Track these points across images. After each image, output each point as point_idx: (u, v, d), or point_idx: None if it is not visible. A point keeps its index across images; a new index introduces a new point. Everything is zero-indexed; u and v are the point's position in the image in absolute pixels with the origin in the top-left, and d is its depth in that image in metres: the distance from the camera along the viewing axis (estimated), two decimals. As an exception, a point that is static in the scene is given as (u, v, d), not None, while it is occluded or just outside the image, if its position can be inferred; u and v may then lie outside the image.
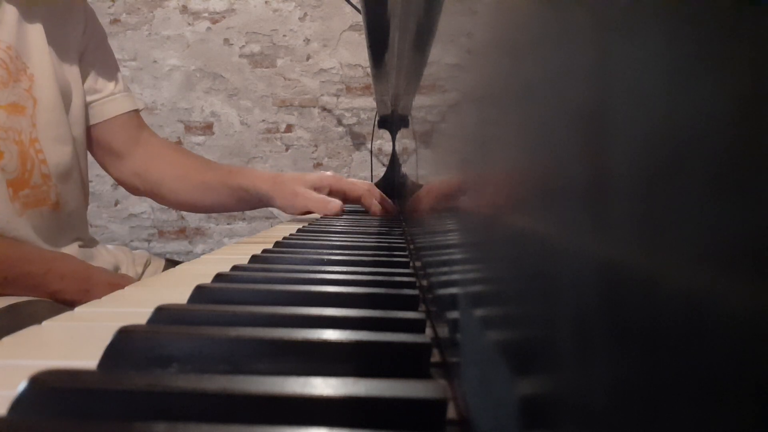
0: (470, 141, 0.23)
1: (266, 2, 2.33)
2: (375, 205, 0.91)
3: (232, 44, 2.35)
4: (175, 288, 0.41)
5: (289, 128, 2.37)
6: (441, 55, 0.35)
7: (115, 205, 2.39)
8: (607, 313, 0.10)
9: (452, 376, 0.24)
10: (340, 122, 2.36)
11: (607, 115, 0.10)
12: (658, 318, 0.08)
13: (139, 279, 0.83)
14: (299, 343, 0.24)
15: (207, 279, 0.37)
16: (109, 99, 0.84)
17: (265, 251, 0.51)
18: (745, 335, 0.06)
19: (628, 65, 0.09)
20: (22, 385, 0.19)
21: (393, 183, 1.31)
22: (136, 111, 0.88)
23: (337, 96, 2.35)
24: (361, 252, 0.52)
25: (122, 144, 0.87)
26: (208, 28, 2.35)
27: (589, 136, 0.11)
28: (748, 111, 0.06)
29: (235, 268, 0.42)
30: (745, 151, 0.06)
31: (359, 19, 1.20)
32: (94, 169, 0.97)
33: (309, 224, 0.79)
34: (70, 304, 0.62)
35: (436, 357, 0.27)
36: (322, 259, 0.47)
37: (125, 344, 0.24)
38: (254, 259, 0.47)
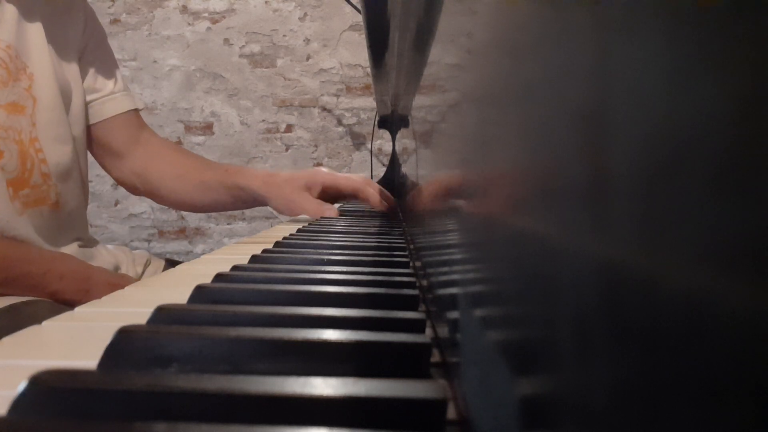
0: (470, 141, 0.23)
1: (266, 2, 2.33)
2: (374, 196, 0.87)
3: (232, 44, 2.35)
4: (175, 288, 0.41)
5: (289, 128, 2.37)
6: (441, 55, 0.35)
7: (115, 205, 2.39)
8: (607, 313, 0.10)
9: (452, 376, 0.24)
10: (340, 122, 2.36)
11: (607, 115, 0.10)
12: (658, 318, 0.08)
13: (139, 279, 0.83)
14: (299, 343, 0.24)
15: (207, 279, 0.37)
16: (109, 98, 0.84)
17: (265, 251, 0.51)
18: (745, 335, 0.06)
19: (628, 65, 0.09)
20: (22, 385, 0.19)
21: (393, 183, 1.31)
22: (136, 110, 0.88)
23: (337, 96, 2.35)
24: (361, 252, 0.52)
25: (122, 144, 0.86)
26: (208, 28, 2.35)
27: (589, 136, 0.11)
28: (748, 111, 0.06)
29: (235, 268, 0.42)
30: (745, 151, 0.06)
31: (359, 19, 1.20)
32: (94, 169, 0.97)
33: (309, 224, 0.79)
34: (69, 304, 0.62)
35: (436, 357, 0.27)
36: (322, 259, 0.47)
37: (125, 344, 0.24)
38: (254, 259, 0.47)
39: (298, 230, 0.72)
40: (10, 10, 0.70)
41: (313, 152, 2.36)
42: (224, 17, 2.34)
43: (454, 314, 0.24)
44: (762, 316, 0.06)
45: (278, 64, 2.35)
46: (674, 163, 0.08)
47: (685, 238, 0.08)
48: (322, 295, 0.34)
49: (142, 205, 2.36)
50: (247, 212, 2.34)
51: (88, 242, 0.83)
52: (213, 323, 0.28)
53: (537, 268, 0.14)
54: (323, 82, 2.35)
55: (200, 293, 0.33)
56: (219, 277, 0.38)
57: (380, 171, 1.49)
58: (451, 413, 0.21)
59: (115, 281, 0.69)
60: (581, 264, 0.11)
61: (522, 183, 0.15)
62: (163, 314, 0.28)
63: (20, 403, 0.19)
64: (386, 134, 1.42)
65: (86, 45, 0.82)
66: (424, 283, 0.38)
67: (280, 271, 0.42)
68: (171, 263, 0.92)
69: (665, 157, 0.08)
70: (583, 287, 0.11)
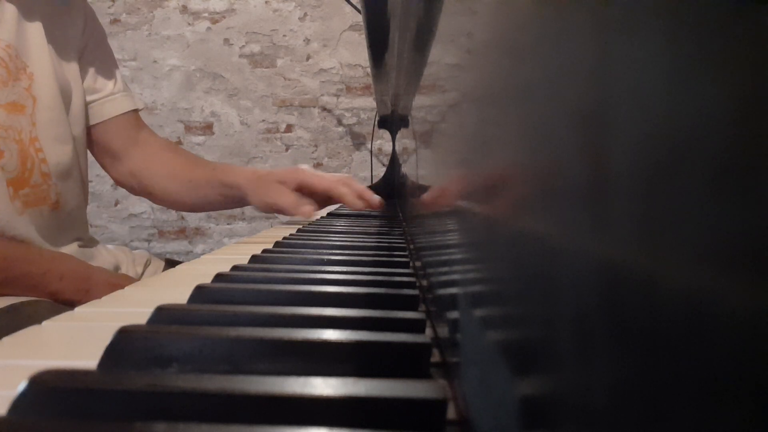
0: (470, 141, 0.23)
1: (266, 2, 2.33)
2: (347, 195, 0.82)
3: (232, 44, 2.35)
4: (175, 288, 0.41)
5: (289, 128, 2.37)
6: (441, 55, 0.35)
7: (115, 205, 2.39)
8: (607, 313, 0.10)
9: (452, 376, 0.24)
10: (340, 122, 2.36)
11: (607, 115, 0.10)
12: (658, 318, 0.08)
13: (139, 279, 0.83)
14: (299, 343, 0.24)
15: (207, 279, 0.37)
16: (108, 99, 0.84)
17: (265, 251, 0.51)
18: (745, 335, 0.06)
19: (628, 65, 0.09)
20: (22, 385, 0.19)
21: (393, 183, 1.31)
22: (135, 111, 0.88)
23: (337, 96, 2.35)
24: (361, 252, 0.52)
25: (120, 145, 0.86)
26: (208, 28, 2.35)
27: (589, 136, 0.11)
28: (748, 111, 0.06)
29: (235, 268, 0.42)
30: (745, 151, 0.06)
31: (359, 19, 1.20)
32: (94, 169, 0.97)
33: (309, 224, 0.79)
34: (69, 304, 0.62)
35: (436, 357, 0.27)
36: (322, 259, 0.47)
37: (125, 344, 0.24)
38: (254, 259, 0.47)
39: (298, 230, 0.72)
40: (10, 10, 0.70)
41: (313, 152, 2.36)
42: (224, 17, 2.34)
43: (454, 314, 0.24)
44: (762, 316, 0.06)
45: (278, 64, 2.35)
46: (674, 163, 0.08)
47: (685, 238, 0.08)
48: (322, 295, 0.34)
49: (142, 205, 2.36)
50: (247, 212, 2.34)
51: (88, 242, 0.83)
52: (213, 323, 0.28)
53: (537, 268, 0.14)
54: (323, 82, 2.35)
55: (200, 293, 0.33)
56: (219, 277, 0.38)
57: (380, 171, 1.49)
58: (451, 413, 0.21)
59: (115, 281, 0.69)
60: (581, 264, 0.11)
61: (522, 183, 0.15)
62: (163, 314, 0.28)
63: (20, 403, 0.19)
64: (386, 134, 1.42)
65: (86, 45, 0.82)
66: (424, 283, 0.38)
67: (280, 271, 0.42)
68: (171, 263, 0.92)
69: (665, 157, 0.08)
70: (583, 287, 0.11)
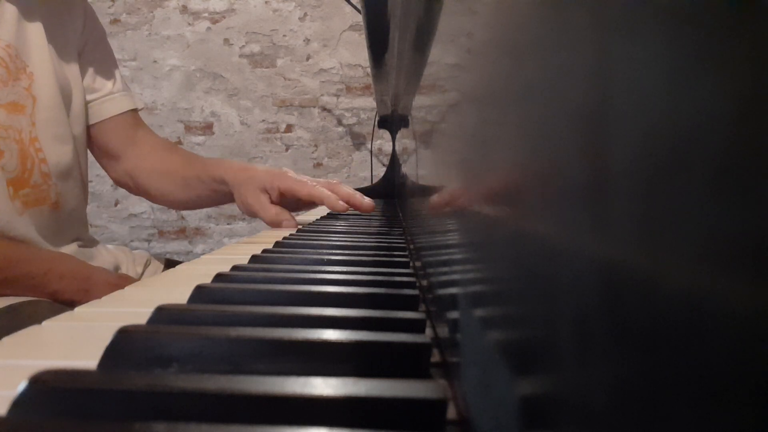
0: (470, 141, 0.23)
1: (266, 2, 2.34)
2: (329, 197, 0.78)
3: (232, 44, 2.35)
4: (175, 288, 0.41)
5: (289, 128, 2.37)
6: (441, 55, 0.35)
7: (115, 205, 2.39)
8: (607, 313, 0.10)
9: (452, 376, 0.24)
10: (340, 122, 2.36)
11: (607, 115, 0.10)
12: (658, 318, 0.08)
13: (139, 279, 0.83)
14: (299, 343, 0.24)
15: (207, 279, 0.37)
16: (107, 99, 0.84)
17: (265, 251, 0.51)
18: (745, 335, 0.06)
19: (628, 65, 0.09)
20: (22, 385, 0.19)
21: (393, 183, 1.31)
22: (134, 110, 0.88)
23: (337, 96, 2.35)
24: (361, 252, 0.52)
25: (118, 144, 0.86)
26: (208, 28, 2.35)
27: (589, 136, 0.11)
28: (748, 111, 0.06)
29: (235, 268, 0.42)
30: (745, 151, 0.06)
31: (359, 19, 1.20)
32: (94, 170, 0.97)
33: (309, 224, 0.79)
34: (69, 304, 0.62)
35: (436, 357, 0.27)
36: (322, 259, 0.47)
37: (125, 344, 0.24)
38: (254, 259, 0.47)
39: (298, 230, 0.72)
40: (10, 10, 0.70)
41: (313, 152, 2.36)
42: (224, 17, 2.35)
43: (454, 314, 0.24)
44: (762, 316, 0.06)
45: (278, 64, 2.35)
46: (674, 163, 0.08)
47: (685, 238, 0.08)
48: (322, 295, 0.34)
49: (142, 205, 2.37)
50: (247, 212, 2.34)
51: (88, 242, 0.83)
52: (213, 323, 0.28)
53: (537, 268, 0.14)
54: (323, 82, 2.35)
55: (200, 293, 0.33)
56: (219, 277, 0.38)
57: (380, 171, 1.49)
58: (451, 413, 0.21)
59: (115, 281, 0.69)
60: (581, 264, 0.11)
61: (522, 183, 0.15)
62: (163, 314, 0.28)
63: (20, 403, 0.19)
64: (386, 134, 1.42)
65: (86, 44, 0.82)
66: (424, 283, 0.38)
67: (280, 271, 0.42)
68: (171, 263, 0.92)
69: (665, 157, 0.08)
70: (583, 287, 0.11)
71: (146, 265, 0.89)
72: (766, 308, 0.06)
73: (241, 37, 2.35)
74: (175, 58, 2.36)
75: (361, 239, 0.63)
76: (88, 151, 0.86)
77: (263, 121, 2.36)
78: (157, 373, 0.23)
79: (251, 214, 0.80)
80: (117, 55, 0.91)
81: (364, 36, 0.94)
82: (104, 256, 0.82)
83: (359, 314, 0.29)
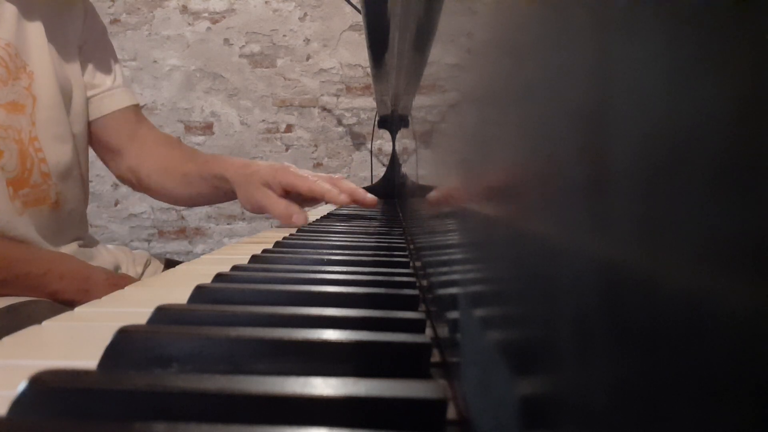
0: (470, 141, 0.23)
1: (266, 2, 2.34)
2: (331, 191, 0.77)
3: (232, 44, 2.35)
4: (175, 288, 0.41)
5: (289, 128, 2.37)
6: (441, 55, 0.35)
7: (115, 205, 2.39)
8: (607, 313, 0.10)
9: (452, 376, 0.24)
10: (340, 122, 2.36)
11: (607, 115, 0.10)
12: (658, 318, 0.08)
13: (139, 279, 0.83)
14: (299, 343, 0.24)
15: (207, 279, 0.37)
16: (107, 94, 0.83)
17: (265, 251, 0.51)
18: (745, 335, 0.06)
19: (628, 65, 0.09)
20: (22, 385, 0.19)
21: (393, 183, 1.31)
22: (135, 106, 0.87)
23: (337, 96, 2.35)
24: (361, 252, 0.52)
25: (119, 140, 0.86)
26: (208, 28, 2.35)
27: (589, 136, 0.11)
28: (748, 111, 0.06)
29: (235, 268, 0.42)
30: (745, 151, 0.06)
31: (359, 19, 1.20)
32: (94, 170, 0.97)
33: (309, 224, 0.79)
34: (69, 304, 0.62)
35: (436, 357, 0.27)
36: (322, 259, 0.47)
37: (125, 344, 0.24)
38: (254, 259, 0.47)
39: (298, 230, 0.72)
40: (10, 9, 0.70)
41: (313, 152, 2.36)
42: (224, 17, 2.35)
43: (453, 314, 0.24)
44: (762, 316, 0.06)
45: (278, 64, 2.35)
46: (674, 163, 0.08)
47: (685, 238, 0.08)
48: (322, 295, 0.34)
49: (142, 205, 2.37)
50: (247, 212, 2.34)
51: (89, 242, 0.83)
52: (213, 323, 0.28)
53: (537, 268, 0.14)
54: (323, 82, 2.35)
55: (200, 293, 0.33)
56: (219, 277, 0.38)
57: (380, 171, 1.49)
58: (451, 413, 0.21)
59: (115, 281, 0.69)
60: (581, 264, 0.11)
61: (522, 183, 0.15)
62: (163, 314, 0.28)
63: (20, 403, 0.19)
64: (386, 134, 1.42)
65: (86, 40, 0.82)
66: (424, 283, 0.38)
67: (280, 271, 0.42)
68: (171, 263, 0.92)
69: (665, 157, 0.08)
70: (582, 287, 0.11)
71: (146, 265, 0.89)
72: (766, 308, 0.06)
73: (241, 37, 2.35)
74: (175, 58, 2.36)
75: (361, 239, 0.63)
76: (90, 150, 0.85)
77: (263, 121, 2.36)
78: (157, 373, 0.23)
79: (258, 209, 0.79)
80: (117, 55, 0.91)
81: (364, 36, 0.94)
82: (104, 256, 0.82)
83: (359, 314, 0.29)
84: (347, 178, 0.84)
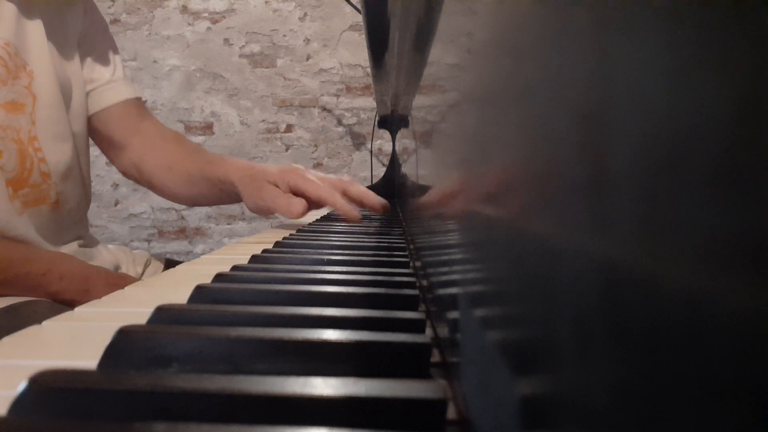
0: (470, 141, 0.23)
1: (266, 2, 2.33)
2: (343, 206, 0.76)
3: (232, 44, 2.35)
4: (175, 288, 0.41)
5: (289, 128, 2.37)
6: (441, 55, 0.35)
7: (115, 205, 2.39)
8: (607, 313, 0.10)
9: (452, 376, 0.24)
10: (340, 122, 2.36)
11: (607, 115, 0.10)
12: (658, 318, 0.08)
13: (139, 279, 0.83)
14: (299, 343, 0.24)
15: (207, 279, 0.37)
16: (107, 87, 0.82)
17: (265, 251, 0.51)
18: (745, 335, 0.06)
19: (628, 65, 0.09)
20: (22, 385, 0.19)
21: (393, 183, 1.31)
22: (136, 99, 0.86)
23: (337, 96, 2.35)
24: (361, 252, 0.52)
25: (121, 134, 0.84)
26: (208, 28, 2.35)
27: (589, 136, 0.11)
28: (748, 111, 0.06)
29: (235, 268, 0.42)
30: (745, 151, 0.06)
31: (359, 19, 1.20)
32: (94, 169, 0.97)
33: (309, 225, 0.79)
34: (69, 304, 0.62)
35: (436, 357, 0.27)
36: (322, 259, 0.47)
37: (125, 344, 0.24)
38: (254, 259, 0.47)
39: (298, 230, 0.72)
40: (9, 8, 0.70)
41: (313, 152, 2.36)
42: (224, 17, 2.34)
43: (454, 314, 0.24)
44: (762, 316, 0.06)
45: (278, 64, 2.35)
46: (674, 162, 0.08)
47: (685, 238, 0.07)
48: (322, 295, 0.34)
49: (142, 205, 2.37)
50: (247, 212, 2.34)
51: (89, 242, 0.83)
52: (213, 323, 0.28)
53: (537, 268, 0.14)
54: (323, 82, 2.35)
55: (200, 293, 0.33)
56: (219, 277, 0.38)
57: (380, 171, 1.49)
58: (451, 413, 0.21)
59: (115, 281, 0.69)
60: (581, 264, 0.11)
61: (522, 183, 0.15)
62: (163, 314, 0.28)
63: (20, 403, 0.19)
64: (386, 134, 1.42)
65: (86, 35, 0.81)
66: (424, 283, 0.38)
67: (280, 271, 0.42)
68: (171, 263, 0.92)
69: (665, 157, 0.08)
70: (582, 287, 0.11)
71: (146, 265, 0.89)
72: (766, 308, 0.06)
73: (241, 37, 2.35)
74: (175, 58, 2.36)
75: (361, 239, 0.63)
76: (92, 149, 0.85)
77: (263, 121, 2.36)
78: (157, 373, 0.23)
79: (264, 208, 0.77)
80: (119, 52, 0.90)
81: (364, 36, 0.93)
82: (104, 256, 0.82)
83: (359, 314, 0.29)
84: (314, 177, 0.80)
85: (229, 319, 0.28)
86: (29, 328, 0.30)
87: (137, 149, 0.86)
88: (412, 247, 0.55)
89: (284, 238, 0.62)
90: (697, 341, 0.07)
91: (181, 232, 2.40)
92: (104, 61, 0.83)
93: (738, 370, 0.07)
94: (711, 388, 0.07)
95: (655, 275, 0.08)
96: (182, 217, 2.39)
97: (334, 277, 0.40)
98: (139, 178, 0.88)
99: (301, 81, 2.35)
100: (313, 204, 0.77)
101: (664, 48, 0.08)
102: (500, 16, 0.18)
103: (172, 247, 2.38)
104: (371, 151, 2.23)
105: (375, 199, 0.81)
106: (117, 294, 0.39)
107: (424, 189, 0.47)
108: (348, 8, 2.07)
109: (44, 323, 0.31)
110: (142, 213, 2.39)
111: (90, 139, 0.84)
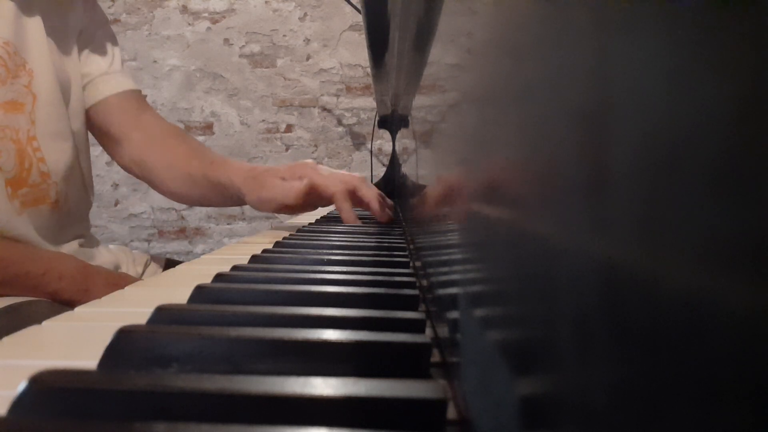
0: (470, 141, 0.23)
1: (266, 2, 2.33)
2: (346, 211, 0.75)
3: (232, 44, 2.35)
4: (175, 288, 0.41)
5: (289, 128, 2.37)
6: (441, 55, 0.35)
7: (115, 205, 2.39)
8: (607, 313, 0.10)
9: (452, 376, 0.24)
10: (340, 122, 2.36)
11: (607, 115, 0.10)
12: (658, 318, 0.08)
13: (139, 279, 0.83)
14: (299, 343, 0.24)
15: (207, 279, 0.37)
16: (103, 79, 0.80)
17: (265, 251, 0.51)
18: (745, 335, 0.06)
19: (628, 65, 0.09)
20: (22, 385, 0.19)
21: (393, 183, 1.31)
22: (135, 92, 0.84)
23: (337, 96, 2.35)
24: (361, 252, 0.52)
25: (119, 127, 0.82)
26: (208, 28, 2.35)
27: (589, 136, 0.11)
28: (748, 111, 0.06)
29: (235, 268, 0.42)
30: (745, 151, 0.06)
31: (359, 19, 1.20)
32: (94, 169, 0.96)
33: (309, 224, 0.79)
34: (69, 304, 0.62)
35: (436, 357, 0.27)
36: (322, 259, 0.47)
37: (125, 344, 0.24)
38: (254, 259, 0.47)
39: (298, 230, 0.72)
40: (8, 6, 0.70)
41: (313, 152, 2.36)
42: (224, 17, 2.34)
43: (454, 314, 0.24)
44: (762, 316, 0.06)
45: (278, 64, 2.35)
46: (674, 162, 0.08)
47: (685, 238, 0.07)
48: (322, 295, 0.34)
49: (142, 205, 2.36)
50: (247, 212, 2.34)
51: (89, 241, 0.83)
52: (213, 323, 0.28)
53: (537, 268, 0.14)
54: (323, 82, 2.35)
55: (200, 293, 0.33)
56: (219, 277, 0.38)
57: (380, 171, 1.49)
58: (451, 413, 0.21)
59: (115, 281, 0.69)
60: (581, 264, 0.11)
61: (522, 183, 0.15)
62: (163, 314, 0.28)
63: (20, 403, 0.19)
64: (386, 134, 1.42)
65: (84, 28, 0.80)
66: (424, 283, 0.38)
67: (280, 271, 0.42)
68: (171, 263, 0.92)
69: (665, 157, 0.08)
70: (582, 287, 0.11)
71: (146, 265, 0.89)
72: (766, 308, 0.06)
73: (241, 37, 2.35)
74: (175, 58, 2.36)
75: (361, 239, 0.63)
76: (92, 149, 0.84)
77: (263, 121, 2.36)
78: (157, 373, 0.23)
79: (265, 202, 0.75)
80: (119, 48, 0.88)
81: (364, 36, 0.93)
82: (104, 256, 0.82)
83: (359, 314, 0.29)
84: (327, 173, 0.78)
85: (229, 319, 0.28)
86: (29, 328, 0.30)
87: (137, 144, 0.83)
88: (412, 247, 0.55)
89: (284, 238, 0.62)
90: (697, 341, 0.07)
91: (181, 232, 2.40)
92: (101, 52, 0.81)
93: (738, 370, 0.07)
94: (711, 388, 0.07)
95: (655, 275, 0.08)
96: (182, 217, 2.39)
97: (334, 277, 0.40)
98: (139, 173, 0.85)
99: (301, 81, 2.35)
100: (324, 202, 0.76)
101: (664, 48, 0.08)
102: (500, 16, 0.18)
103: (172, 247, 2.38)
104: (371, 151, 2.23)
105: (380, 210, 0.79)
106: (117, 294, 0.39)
107: (424, 189, 0.47)
108: (348, 8, 2.07)
109: (44, 323, 0.31)
110: (142, 213, 2.39)
111: (90, 138, 0.84)
